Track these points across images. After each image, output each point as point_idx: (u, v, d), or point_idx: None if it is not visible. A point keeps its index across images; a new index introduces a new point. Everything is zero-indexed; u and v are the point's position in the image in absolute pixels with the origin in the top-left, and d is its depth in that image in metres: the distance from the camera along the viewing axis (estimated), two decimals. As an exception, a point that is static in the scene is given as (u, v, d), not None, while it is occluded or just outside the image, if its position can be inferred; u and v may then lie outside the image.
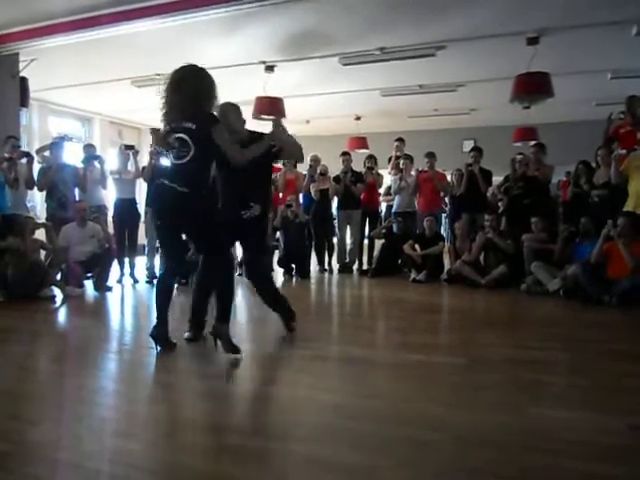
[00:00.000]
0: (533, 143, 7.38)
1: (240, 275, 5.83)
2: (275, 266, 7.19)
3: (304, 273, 7.04)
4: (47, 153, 6.51)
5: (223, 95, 3.19)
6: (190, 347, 3.38)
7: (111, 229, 6.47)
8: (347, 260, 7.76)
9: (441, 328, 4.53)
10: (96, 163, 6.59)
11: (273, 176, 5.20)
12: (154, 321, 3.22)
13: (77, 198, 6.34)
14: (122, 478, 1.75)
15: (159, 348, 3.19)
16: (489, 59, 6.91)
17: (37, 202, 7.88)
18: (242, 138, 3.40)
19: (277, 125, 3.41)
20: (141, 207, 6.71)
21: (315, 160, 7.63)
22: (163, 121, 3.15)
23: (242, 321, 4.34)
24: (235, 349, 3.04)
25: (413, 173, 7.56)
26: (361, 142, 10.17)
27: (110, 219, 6.62)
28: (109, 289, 5.81)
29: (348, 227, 7.73)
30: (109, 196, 6.84)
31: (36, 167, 6.16)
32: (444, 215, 8.30)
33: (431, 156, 7.48)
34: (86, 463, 1.83)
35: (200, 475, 1.80)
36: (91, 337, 3.87)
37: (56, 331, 4.40)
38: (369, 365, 3.08)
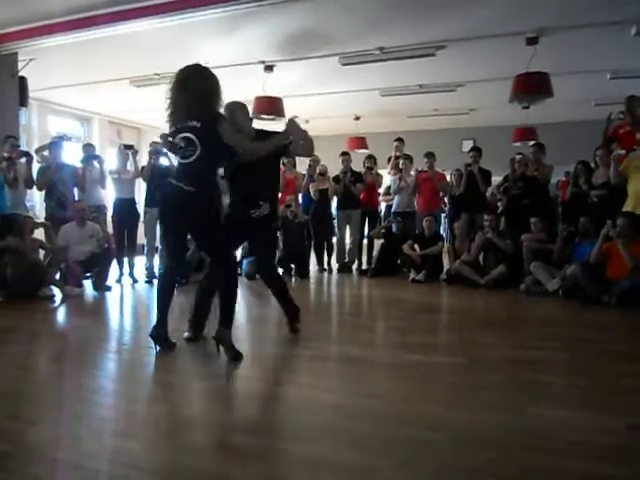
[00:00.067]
0: (532, 143, 7.39)
1: (239, 275, 5.83)
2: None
3: (303, 273, 7.04)
4: (46, 153, 6.50)
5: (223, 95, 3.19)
6: (190, 347, 3.37)
7: (110, 229, 6.47)
8: (346, 260, 7.76)
9: (440, 328, 4.53)
10: (95, 163, 6.59)
11: None
12: (154, 321, 3.22)
13: (76, 198, 6.34)
14: (121, 478, 1.75)
15: (158, 348, 3.19)
16: (488, 59, 6.91)
17: (36, 202, 7.87)
18: (249, 136, 3.40)
19: (293, 123, 3.41)
20: (140, 207, 6.70)
21: (314, 160, 7.63)
22: (169, 121, 3.14)
23: (242, 321, 4.34)
24: (238, 355, 3.03)
25: (412, 173, 7.56)
26: (360, 142, 10.18)
27: (109, 219, 6.62)
28: (108, 289, 5.80)
29: (347, 227, 7.73)
30: (108, 196, 6.84)
31: (35, 167, 6.16)
32: (443, 215, 8.30)
33: (430, 156, 7.48)
34: (85, 463, 1.83)
35: (200, 475, 1.80)
36: (90, 337, 3.87)
37: (55, 331, 4.40)
38: (368, 365, 3.08)
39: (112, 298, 5.55)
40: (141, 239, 6.69)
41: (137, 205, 6.73)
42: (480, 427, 2.12)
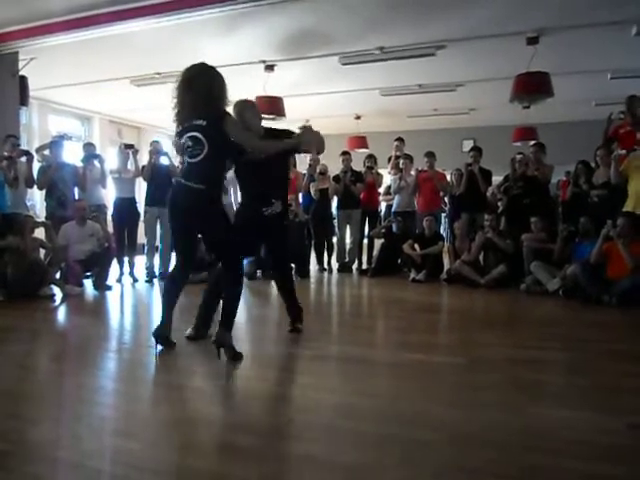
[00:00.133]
0: (533, 143, 7.38)
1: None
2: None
3: (303, 273, 7.03)
4: (47, 152, 6.51)
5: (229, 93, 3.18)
6: (190, 346, 3.37)
7: (110, 228, 6.48)
8: (347, 260, 7.76)
9: (440, 328, 4.53)
10: (96, 162, 6.59)
11: None
12: (156, 320, 3.21)
13: (77, 197, 6.35)
14: (122, 477, 1.75)
15: (160, 348, 3.19)
16: (489, 59, 6.91)
17: (37, 201, 7.88)
18: (259, 134, 3.40)
19: (308, 131, 3.44)
20: (140, 206, 6.71)
21: (315, 159, 7.63)
22: (175, 121, 3.13)
23: (242, 321, 4.34)
24: (237, 355, 3.03)
25: (413, 173, 7.56)
26: (361, 141, 10.17)
27: (109, 218, 6.62)
28: (108, 288, 5.81)
29: (348, 227, 7.73)
30: (109, 195, 6.84)
31: (36, 166, 6.16)
32: (444, 215, 8.30)
33: (431, 156, 7.48)
34: (86, 462, 1.83)
35: (200, 474, 1.80)
36: (91, 336, 3.87)
37: (56, 330, 4.40)
38: (369, 365, 3.09)
39: (112, 297, 5.55)
40: (141, 238, 6.69)
41: (137, 204, 6.73)
42: (480, 427, 2.12)
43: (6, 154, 5.57)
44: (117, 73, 7.44)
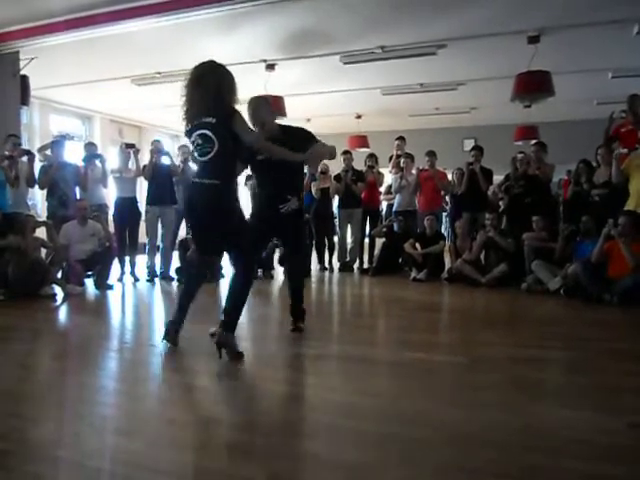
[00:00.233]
0: (534, 142, 7.36)
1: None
2: (275, 265, 7.18)
3: (305, 272, 7.03)
4: (48, 151, 6.52)
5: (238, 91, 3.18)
6: (191, 346, 3.37)
7: (112, 228, 6.49)
8: (348, 259, 7.76)
9: (442, 327, 4.53)
10: (97, 162, 6.60)
11: None
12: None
13: (78, 196, 6.35)
14: (123, 476, 1.75)
15: (165, 341, 3.22)
16: (490, 58, 6.91)
17: (38, 200, 7.89)
18: (273, 132, 3.40)
19: (321, 148, 3.46)
20: (142, 206, 6.71)
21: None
22: (184, 119, 3.11)
23: (243, 320, 4.34)
24: (239, 354, 3.03)
25: (414, 172, 7.55)
26: (362, 141, 10.17)
27: (111, 217, 6.63)
28: (110, 287, 5.82)
29: (349, 226, 7.73)
30: (110, 195, 6.85)
31: (37, 165, 6.17)
32: (445, 214, 8.30)
33: (432, 155, 7.48)
34: (87, 461, 1.83)
35: (202, 473, 1.80)
36: (92, 335, 3.87)
37: (57, 329, 4.41)
38: (370, 364, 3.09)
39: (113, 297, 5.56)
40: (142, 238, 6.69)
41: (138, 204, 6.74)
42: (480, 427, 2.12)
43: (7, 153, 5.57)
44: (118, 72, 7.45)
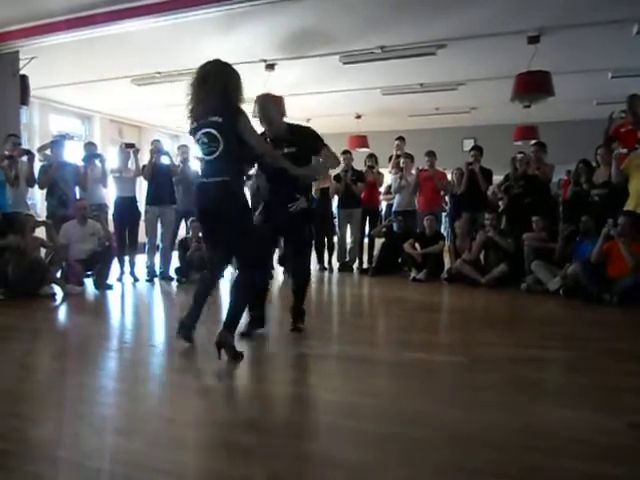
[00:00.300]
0: (534, 142, 7.36)
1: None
2: (275, 264, 7.19)
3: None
4: (48, 151, 6.52)
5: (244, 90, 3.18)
6: (191, 346, 3.37)
7: (111, 227, 6.49)
8: (347, 259, 7.76)
9: (441, 327, 4.53)
10: (97, 161, 6.60)
11: None
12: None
13: (77, 196, 6.35)
14: (123, 476, 1.75)
15: (180, 334, 3.22)
16: (490, 58, 6.91)
17: (37, 200, 7.89)
18: (280, 131, 3.39)
19: (324, 163, 3.49)
20: (141, 205, 6.71)
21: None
22: (190, 117, 3.11)
23: (242, 320, 4.34)
24: (238, 355, 3.02)
25: (413, 172, 7.55)
26: (362, 141, 10.17)
27: (110, 217, 6.63)
28: (109, 287, 5.81)
29: (348, 226, 7.73)
30: (109, 194, 6.85)
31: (37, 165, 6.17)
32: (444, 214, 8.30)
33: (431, 155, 7.48)
34: (87, 462, 1.83)
35: (201, 473, 1.80)
36: (91, 335, 3.87)
37: (56, 329, 4.41)
38: (369, 364, 3.09)
39: (113, 297, 5.56)
40: (142, 237, 6.69)
41: (138, 204, 6.73)
42: (480, 427, 2.12)
43: (7, 153, 5.57)
44: (117, 72, 7.45)
